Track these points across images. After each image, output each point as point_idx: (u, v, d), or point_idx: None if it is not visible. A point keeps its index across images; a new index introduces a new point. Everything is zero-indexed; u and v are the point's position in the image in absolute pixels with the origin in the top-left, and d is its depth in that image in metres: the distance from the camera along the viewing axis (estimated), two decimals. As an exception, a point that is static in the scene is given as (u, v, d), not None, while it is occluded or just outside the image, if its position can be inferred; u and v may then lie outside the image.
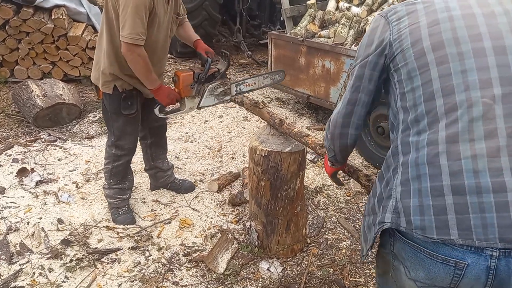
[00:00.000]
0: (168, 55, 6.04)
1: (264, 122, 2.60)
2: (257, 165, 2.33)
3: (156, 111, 2.50)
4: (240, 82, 2.64)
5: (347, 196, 3.21)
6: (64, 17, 4.73)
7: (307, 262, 2.49)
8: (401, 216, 1.01)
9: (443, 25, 1.04)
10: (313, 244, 2.66)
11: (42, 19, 4.60)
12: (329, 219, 2.91)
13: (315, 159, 3.68)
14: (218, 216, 2.90)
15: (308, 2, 4.47)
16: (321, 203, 3.10)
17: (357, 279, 2.39)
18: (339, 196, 3.20)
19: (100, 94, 2.53)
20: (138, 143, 2.81)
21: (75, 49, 4.86)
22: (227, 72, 2.61)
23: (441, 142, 0.98)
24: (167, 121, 3.04)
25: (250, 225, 2.59)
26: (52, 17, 4.70)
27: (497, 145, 0.94)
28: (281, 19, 5.30)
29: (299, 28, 4.32)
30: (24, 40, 4.67)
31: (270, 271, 2.41)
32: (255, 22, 6.92)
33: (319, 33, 4.18)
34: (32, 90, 4.07)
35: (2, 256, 2.40)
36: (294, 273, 2.39)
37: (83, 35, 4.85)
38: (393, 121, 1.16)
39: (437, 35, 1.03)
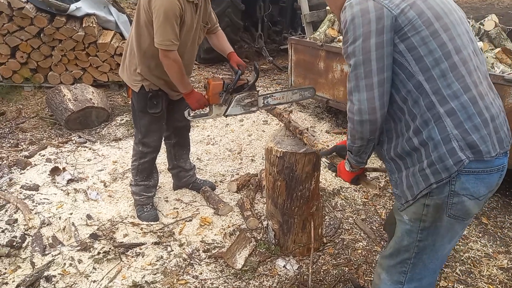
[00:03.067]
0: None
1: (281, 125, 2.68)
2: (272, 166, 2.42)
3: (186, 113, 2.64)
4: (268, 96, 2.70)
5: (365, 198, 3.25)
6: (94, 25, 4.98)
7: (323, 261, 2.55)
8: (468, 149, 1.26)
9: (429, 1, 1.31)
10: (329, 244, 2.72)
11: (74, 27, 4.86)
12: (346, 220, 2.96)
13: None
14: (237, 215, 3.00)
15: (327, 8, 4.54)
16: (339, 205, 3.15)
17: (372, 279, 2.43)
18: (357, 199, 3.24)
19: (129, 93, 2.69)
20: (163, 143, 2.96)
21: (104, 55, 5.11)
22: (256, 84, 2.68)
23: (472, 88, 1.28)
24: (190, 124, 3.18)
25: (267, 224, 2.67)
26: (83, 25, 4.96)
27: (485, 84, 1.35)
28: (302, 25, 5.39)
29: (318, 33, 4.40)
30: (57, 47, 4.95)
31: (286, 268, 2.49)
32: (276, 28, 7.04)
33: (338, 37, 4.24)
34: (64, 95, 4.31)
35: (36, 248, 2.58)
36: (309, 271, 2.45)
37: (112, 42, 5.09)
38: (404, 85, 1.31)
39: (432, 9, 1.29)
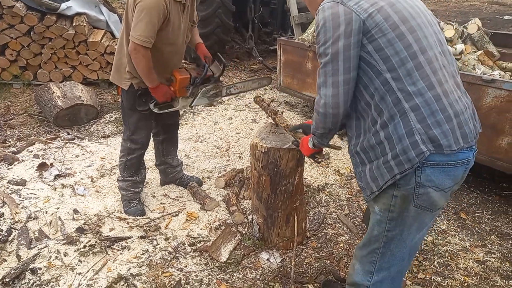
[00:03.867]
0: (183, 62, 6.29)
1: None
2: (257, 161, 2.47)
3: (151, 106, 2.68)
4: (231, 86, 2.86)
5: (349, 194, 3.32)
6: (85, 24, 5.00)
7: (306, 254, 2.61)
8: (430, 143, 1.33)
9: (397, 5, 1.39)
10: (312, 238, 2.78)
11: (64, 26, 4.88)
12: (330, 215, 3.03)
13: (319, 160, 3.80)
14: (223, 210, 3.05)
15: (315, 9, 4.62)
16: (323, 201, 3.22)
17: (352, 271, 2.49)
18: (341, 195, 3.31)
19: (119, 90, 2.73)
20: (151, 139, 2.99)
21: (94, 54, 5.13)
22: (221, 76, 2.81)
23: (436, 86, 1.35)
24: (179, 122, 3.23)
25: (252, 218, 2.73)
26: (74, 24, 4.97)
27: (452, 82, 1.41)
28: (292, 26, 5.47)
29: (306, 34, 4.48)
30: (47, 46, 4.95)
31: (269, 261, 2.54)
32: (267, 29, 7.12)
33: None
34: (53, 92, 4.33)
35: (22, 241, 2.60)
36: (292, 264, 2.51)
37: (102, 41, 5.11)
38: (372, 82, 1.40)
39: (399, 13, 1.38)
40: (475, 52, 4.03)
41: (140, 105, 2.69)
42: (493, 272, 2.49)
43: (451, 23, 4.14)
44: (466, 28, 4.26)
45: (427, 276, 2.45)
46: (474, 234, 2.84)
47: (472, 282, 2.41)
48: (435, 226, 2.91)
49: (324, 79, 1.42)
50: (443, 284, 2.39)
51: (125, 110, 2.77)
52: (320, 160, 1.95)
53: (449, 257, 2.61)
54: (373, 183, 1.47)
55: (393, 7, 1.38)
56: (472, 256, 2.62)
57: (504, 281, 2.43)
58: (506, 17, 12.15)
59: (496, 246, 2.72)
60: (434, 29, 1.44)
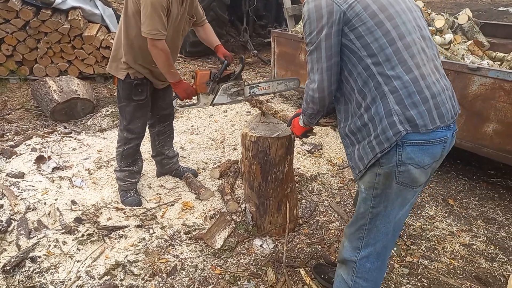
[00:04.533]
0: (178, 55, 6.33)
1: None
2: (248, 150, 2.54)
3: (174, 103, 2.74)
4: (254, 85, 2.81)
5: (340, 183, 3.40)
6: (80, 18, 5.04)
7: (297, 240, 2.69)
8: (407, 123, 1.41)
9: None
10: (304, 225, 2.86)
11: (60, 20, 4.92)
12: (322, 203, 3.11)
13: (312, 150, 3.88)
14: (218, 200, 3.12)
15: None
16: (315, 189, 3.29)
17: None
18: (333, 184, 3.39)
19: (115, 81, 2.79)
20: (147, 130, 3.05)
21: (90, 48, 5.17)
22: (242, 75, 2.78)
23: (414, 69, 1.43)
24: (175, 114, 3.29)
25: (245, 207, 2.80)
26: (69, 18, 5.01)
27: (431, 65, 1.49)
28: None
29: (300, 26, 4.52)
30: (43, 40, 5.00)
31: (262, 247, 2.62)
32: (261, 22, 7.16)
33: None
34: (50, 86, 4.38)
35: (21, 231, 2.67)
36: (284, 249, 2.59)
37: (97, 35, 5.15)
38: (355, 67, 1.50)
39: (378, 2, 1.46)
40: (465, 42, 4.10)
41: (136, 95, 2.74)
42: (478, 255, 2.58)
43: (442, 13, 4.20)
44: (457, 19, 4.32)
45: (415, 260, 2.54)
46: (461, 219, 2.93)
47: (458, 264, 2.50)
48: (423, 212, 3.00)
49: (311, 66, 1.55)
50: (430, 267, 2.48)
51: (121, 100, 2.82)
52: (308, 135, 2.08)
53: (436, 241, 2.69)
54: (360, 162, 1.56)
55: None
56: (458, 240, 2.71)
57: (489, 263, 2.52)
58: (501, 8, 12.20)
59: (482, 230, 2.81)
60: (414, 15, 1.52)
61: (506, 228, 2.84)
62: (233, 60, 2.83)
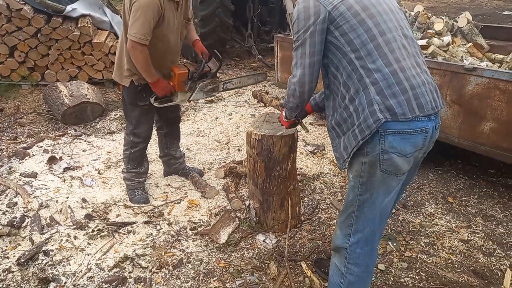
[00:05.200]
0: (184, 60, 6.47)
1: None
2: (252, 148, 2.64)
3: (152, 100, 2.84)
4: (227, 81, 3.03)
5: (342, 182, 3.48)
6: (89, 25, 5.21)
7: (299, 236, 2.78)
8: (387, 112, 1.52)
9: None
10: (306, 222, 2.94)
11: (70, 27, 5.09)
12: (323, 201, 3.19)
13: (315, 151, 3.97)
14: (222, 198, 3.22)
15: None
16: (317, 188, 3.38)
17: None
18: (335, 183, 3.47)
19: (120, 87, 2.90)
20: (154, 133, 3.16)
21: (99, 54, 5.33)
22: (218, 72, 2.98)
23: (393, 63, 1.55)
24: (181, 118, 3.39)
25: (249, 203, 2.90)
26: (79, 25, 5.18)
27: (411, 61, 1.60)
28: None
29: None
30: (54, 47, 5.17)
31: (265, 242, 2.71)
32: (266, 28, 7.29)
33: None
34: (61, 91, 4.53)
35: (35, 227, 2.79)
36: (286, 244, 2.68)
37: (106, 41, 5.31)
38: (341, 62, 1.62)
39: (361, 2, 1.60)
40: (464, 44, 4.18)
41: (141, 100, 2.85)
42: (476, 250, 2.64)
43: (441, 17, 4.29)
44: (456, 22, 4.41)
45: (414, 254, 2.61)
46: (460, 216, 2.99)
47: (456, 259, 2.57)
48: (423, 209, 3.07)
49: (295, 61, 1.67)
50: (429, 261, 2.55)
51: (127, 105, 2.93)
52: (301, 125, 2.31)
53: (435, 237, 2.76)
54: (344, 151, 1.67)
55: None
56: (457, 236, 2.78)
57: (486, 258, 2.58)
58: (506, 12, 12.24)
59: (481, 227, 2.87)
60: (396, 16, 1.65)
61: (505, 224, 2.90)
62: (209, 57, 2.96)
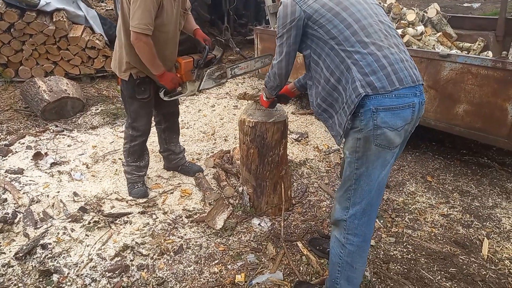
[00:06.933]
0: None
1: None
2: (246, 135, 2.73)
3: (161, 94, 2.85)
4: (235, 66, 3.01)
5: (328, 167, 3.63)
6: (65, 20, 5.10)
7: (292, 218, 2.90)
8: (368, 87, 1.67)
9: None
10: (297, 205, 3.07)
11: (44, 22, 4.97)
12: (312, 185, 3.33)
13: (299, 138, 4.11)
14: (214, 187, 3.30)
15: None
16: (305, 173, 3.52)
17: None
18: (321, 167, 3.62)
19: (119, 81, 2.89)
20: (154, 128, 3.13)
21: (75, 49, 5.24)
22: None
23: (370, 45, 1.73)
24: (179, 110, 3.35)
25: (242, 190, 2.99)
26: (54, 19, 5.06)
27: (389, 42, 1.77)
28: (266, 17, 5.73)
29: (281, 22, 4.74)
30: (28, 42, 5.03)
31: (261, 225, 2.82)
32: (241, 21, 7.34)
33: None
34: (39, 86, 4.43)
35: (28, 223, 2.77)
36: (282, 226, 2.80)
37: (83, 36, 5.22)
38: (323, 50, 1.82)
39: None
40: (434, 34, 4.43)
41: (139, 94, 2.82)
42: (455, 223, 2.86)
43: (413, 8, 4.52)
44: (426, 12, 4.65)
45: (400, 230, 2.79)
46: (439, 193, 3.21)
47: (438, 232, 2.77)
48: (404, 188, 3.27)
49: (277, 49, 1.96)
50: (414, 235, 2.74)
51: (126, 99, 2.92)
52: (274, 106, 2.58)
53: (418, 213, 2.96)
54: (339, 128, 1.83)
55: None
56: (437, 211, 2.99)
57: (465, 229, 2.80)
58: (465, 4, 12.86)
59: (458, 202, 3.10)
60: (370, 6, 1.86)
61: (479, 199, 3.14)
62: (212, 44, 2.97)
